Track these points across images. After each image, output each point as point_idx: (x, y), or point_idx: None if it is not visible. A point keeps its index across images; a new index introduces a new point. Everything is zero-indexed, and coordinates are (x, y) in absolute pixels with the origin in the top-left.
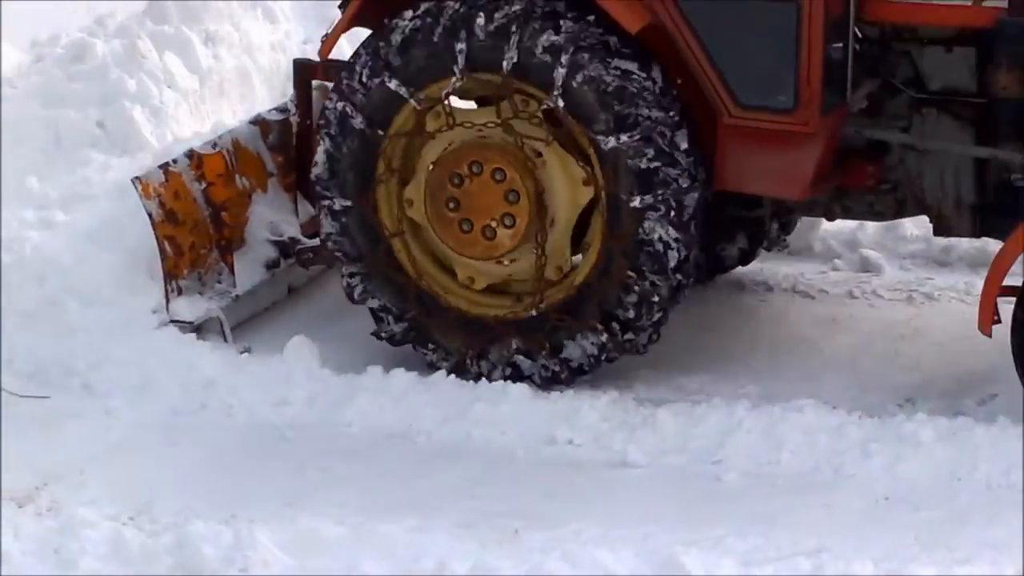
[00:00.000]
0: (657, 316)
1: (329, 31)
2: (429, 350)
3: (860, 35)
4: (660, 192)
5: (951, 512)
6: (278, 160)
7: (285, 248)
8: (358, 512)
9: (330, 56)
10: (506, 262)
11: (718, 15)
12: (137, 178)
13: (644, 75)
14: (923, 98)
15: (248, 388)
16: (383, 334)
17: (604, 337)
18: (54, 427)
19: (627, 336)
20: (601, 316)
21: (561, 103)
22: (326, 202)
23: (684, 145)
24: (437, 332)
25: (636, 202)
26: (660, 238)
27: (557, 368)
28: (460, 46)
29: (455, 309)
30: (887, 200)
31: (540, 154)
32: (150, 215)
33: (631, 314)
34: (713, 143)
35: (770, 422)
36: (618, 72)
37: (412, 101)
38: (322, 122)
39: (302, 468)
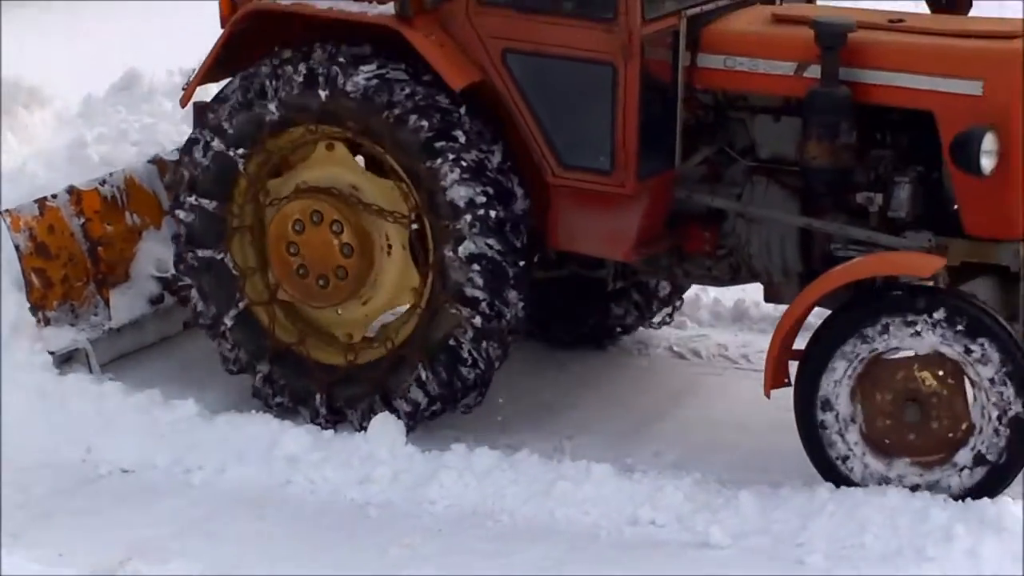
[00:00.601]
0: (484, 372)
1: (189, 80)
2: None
3: (700, 103)
4: (487, 242)
5: None
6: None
7: (169, 284)
8: None
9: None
10: (361, 305)
11: (543, 76)
12: (7, 210)
13: (465, 121)
14: (755, 166)
15: (332, 465)
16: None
17: (433, 386)
18: None
19: (455, 389)
20: (431, 366)
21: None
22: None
23: (508, 197)
24: (295, 380)
25: (457, 252)
26: (484, 288)
27: (403, 412)
28: (271, 104)
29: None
30: (723, 266)
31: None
32: (17, 248)
33: (459, 369)
34: (545, 203)
35: (853, 504)
36: (438, 122)
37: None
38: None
39: (386, 546)
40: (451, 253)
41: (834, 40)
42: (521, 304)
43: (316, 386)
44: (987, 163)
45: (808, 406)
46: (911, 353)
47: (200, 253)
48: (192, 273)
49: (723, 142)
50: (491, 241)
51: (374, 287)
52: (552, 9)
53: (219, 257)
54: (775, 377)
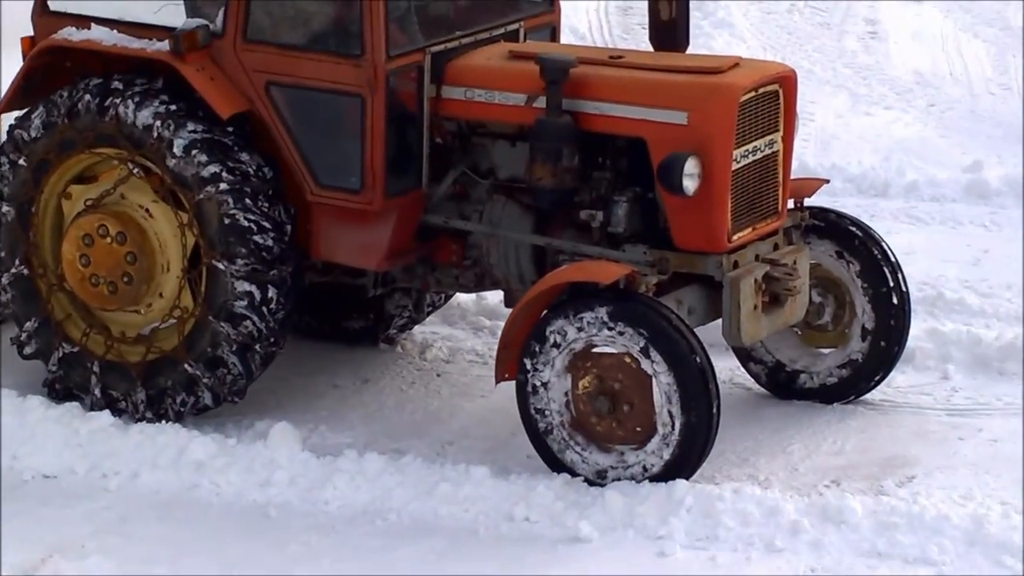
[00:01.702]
0: (255, 364)
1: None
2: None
3: (446, 130)
4: (248, 250)
5: None
6: None
7: None
8: None
9: None
10: (142, 311)
11: (301, 106)
12: None
13: (236, 150)
14: (495, 186)
15: (235, 470)
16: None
17: (208, 381)
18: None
19: (223, 382)
20: (204, 362)
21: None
22: None
23: (274, 213)
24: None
25: (224, 263)
26: (247, 291)
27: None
28: (67, 129)
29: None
30: (469, 275)
31: (148, 210)
32: None
33: (227, 361)
34: (307, 219)
35: (709, 499)
36: (212, 152)
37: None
38: None
39: (284, 544)
40: (219, 271)
41: (556, 75)
42: (282, 315)
43: (90, 377)
44: (689, 184)
45: (525, 397)
46: (607, 350)
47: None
48: None
49: (467, 165)
50: (256, 263)
51: (154, 296)
52: (309, 47)
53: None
54: (502, 370)
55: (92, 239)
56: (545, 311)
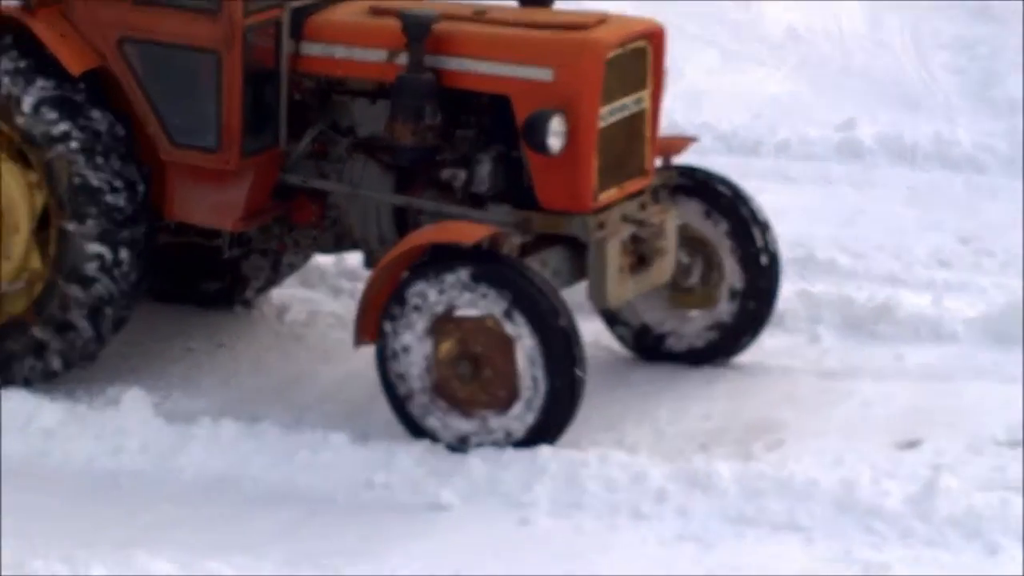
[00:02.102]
0: (106, 328)
1: None
2: None
3: (306, 87)
4: (99, 210)
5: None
6: None
7: None
8: (189, 552)
9: None
10: None
11: (155, 63)
12: None
13: (88, 108)
14: (355, 144)
15: (85, 437)
16: None
17: (57, 345)
18: None
19: (73, 347)
20: (53, 326)
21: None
22: None
23: (126, 172)
24: None
25: (74, 224)
26: (98, 252)
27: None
28: None
29: None
30: (328, 236)
31: None
32: None
33: (78, 325)
34: (161, 178)
35: (573, 465)
36: (63, 111)
37: None
38: None
39: (137, 512)
40: (69, 232)
41: (418, 31)
42: (134, 277)
43: None
44: (555, 143)
45: (385, 361)
46: (469, 313)
47: None
48: None
49: (327, 123)
50: (107, 224)
51: (2, 258)
52: (162, 1)
53: None
54: (362, 334)
55: None
56: (406, 273)
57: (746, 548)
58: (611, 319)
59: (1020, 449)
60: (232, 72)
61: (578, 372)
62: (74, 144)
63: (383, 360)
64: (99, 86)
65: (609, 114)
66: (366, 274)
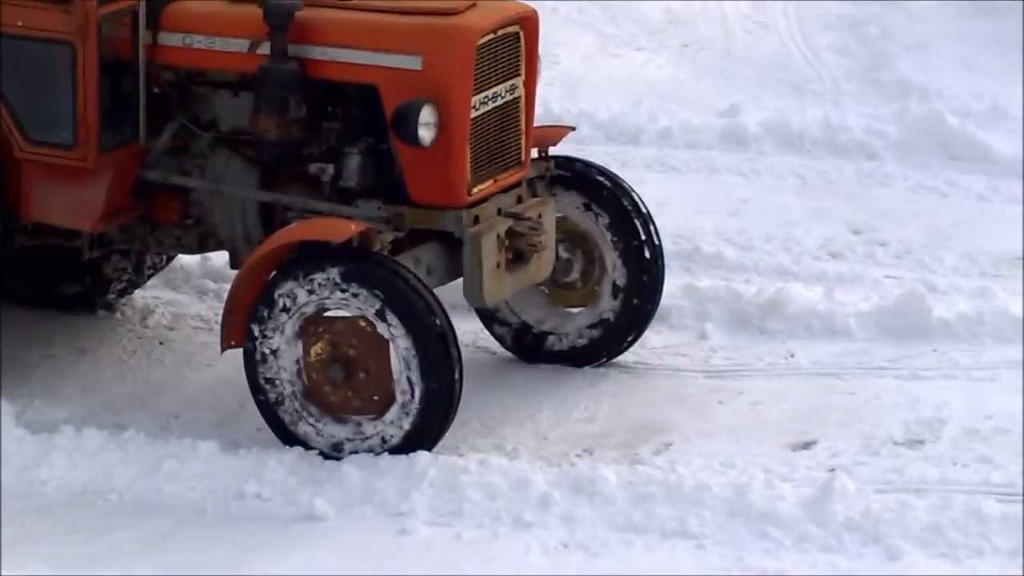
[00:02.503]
0: None
1: None
2: None
3: (165, 80)
4: None
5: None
6: None
7: None
8: (54, 566)
9: None
10: None
11: (6, 54)
12: None
13: None
14: (217, 139)
15: None
16: None
17: None
18: None
19: None
20: None
21: None
22: None
23: None
24: None
25: None
26: None
27: None
28: None
29: None
30: (192, 235)
31: None
32: None
33: None
34: (16, 177)
35: (452, 472)
36: None
37: None
38: None
39: None
40: None
41: (280, 19)
42: None
43: None
44: (425, 134)
45: (254, 366)
46: (340, 313)
47: None
48: None
49: (187, 117)
50: None
51: None
52: None
53: None
54: (229, 337)
55: None
56: (273, 273)
57: (635, 556)
58: (489, 318)
59: (919, 449)
60: (87, 64)
61: (455, 375)
62: None
63: (252, 364)
64: None
65: (481, 103)
66: (232, 274)
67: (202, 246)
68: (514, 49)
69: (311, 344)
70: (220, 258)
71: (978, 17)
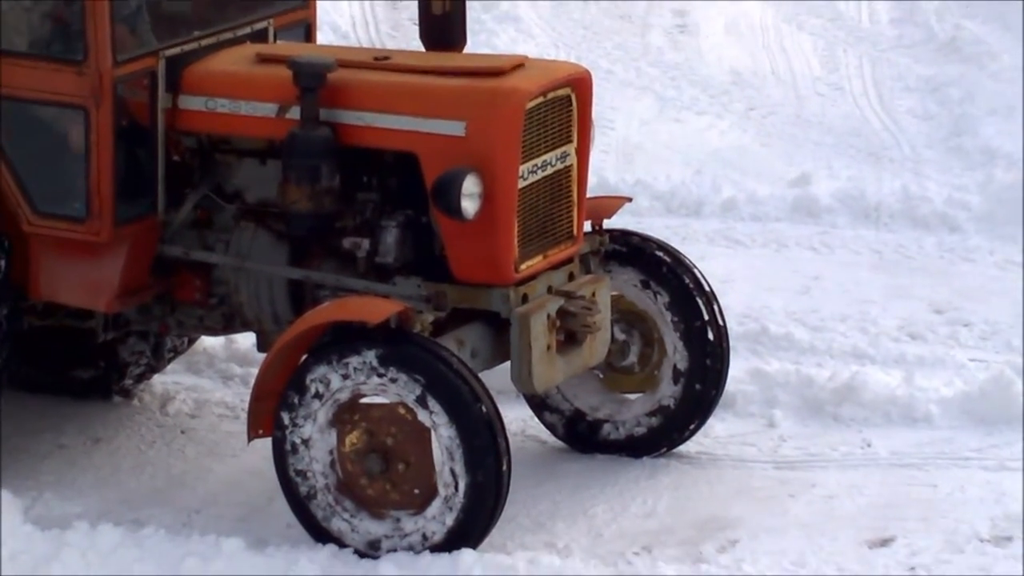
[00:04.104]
0: None
1: None
2: None
3: (186, 147)
4: None
5: None
6: None
7: None
8: None
9: None
10: None
11: (14, 119)
12: None
13: None
14: (243, 211)
15: None
16: None
17: None
18: None
19: None
20: None
21: None
22: None
23: None
24: None
25: None
26: None
27: None
28: None
29: None
30: (215, 315)
31: None
32: None
33: None
34: (24, 252)
35: (499, 572)
36: None
37: None
38: None
39: None
40: None
41: (312, 80)
42: None
43: None
44: (469, 206)
45: (283, 457)
46: (377, 400)
47: None
48: None
49: (210, 187)
50: None
51: None
52: (23, 51)
53: None
54: (256, 425)
55: None
56: (304, 356)
57: None
58: (539, 405)
59: (1006, 546)
60: (102, 130)
61: (503, 466)
62: None
63: (281, 455)
64: None
65: (530, 172)
66: (259, 358)
67: (227, 327)
68: (565, 113)
69: (346, 433)
70: (246, 340)
71: None
